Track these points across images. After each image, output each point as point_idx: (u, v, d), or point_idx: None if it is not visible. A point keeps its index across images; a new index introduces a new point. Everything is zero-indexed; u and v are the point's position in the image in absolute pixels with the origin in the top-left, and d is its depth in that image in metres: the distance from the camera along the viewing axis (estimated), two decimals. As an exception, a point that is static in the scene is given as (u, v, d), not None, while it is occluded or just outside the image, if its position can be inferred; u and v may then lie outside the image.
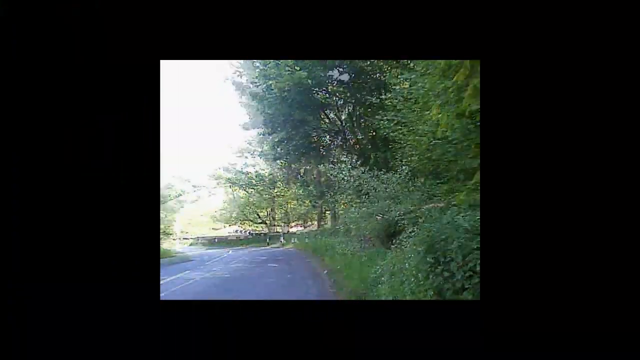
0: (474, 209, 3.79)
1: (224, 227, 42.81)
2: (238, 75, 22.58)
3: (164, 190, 31.15)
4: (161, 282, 9.15)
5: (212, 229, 43.95)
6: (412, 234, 5.04)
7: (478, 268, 3.12)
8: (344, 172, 9.86)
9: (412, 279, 4.03)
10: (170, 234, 36.61)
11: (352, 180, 9.84)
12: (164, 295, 8.16)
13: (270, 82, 15.43)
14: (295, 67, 14.78)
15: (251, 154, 32.99)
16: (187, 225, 44.69)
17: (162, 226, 28.69)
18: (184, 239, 42.02)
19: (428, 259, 3.75)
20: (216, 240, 40.34)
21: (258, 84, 17.22)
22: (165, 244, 29.35)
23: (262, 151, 24.93)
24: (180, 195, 36.23)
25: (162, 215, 27.69)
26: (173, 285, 9.28)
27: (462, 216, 3.77)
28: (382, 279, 5.15)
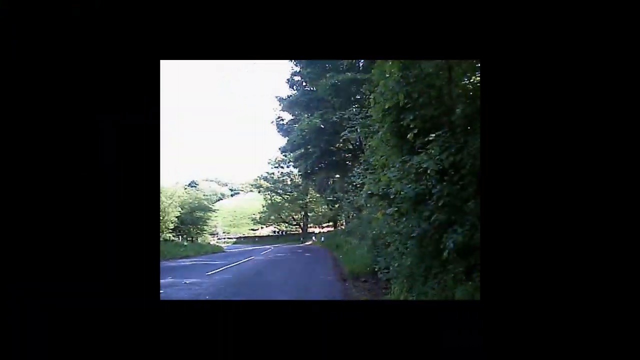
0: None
1: (261, 227, 43.08)
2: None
3: (207, 195, 31.80)
4: (241, 261, 13.40)
5: (251, 229, 44.29)
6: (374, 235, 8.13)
7: (399, 250, 5.23)
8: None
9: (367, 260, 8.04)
10: (215, 234, 37.18)
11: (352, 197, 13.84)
12: (253, 259, 14.29)
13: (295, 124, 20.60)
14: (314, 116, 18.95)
15: (286, 165, 33.16)
16: (228, 226, 45.23)
17: (208, 227, 29.27)
18: (227, 238, 42.65)
19: (372, 247, 7.84)
20: (257, 239, 40.74)
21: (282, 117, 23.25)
22: (212, 242, 30.40)
23: (295, 164, 25.28)
24: (221, 199, 36.69)
25: (208, 217, 28.16)
26: (249, 261, 13.60)
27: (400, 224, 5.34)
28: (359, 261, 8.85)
